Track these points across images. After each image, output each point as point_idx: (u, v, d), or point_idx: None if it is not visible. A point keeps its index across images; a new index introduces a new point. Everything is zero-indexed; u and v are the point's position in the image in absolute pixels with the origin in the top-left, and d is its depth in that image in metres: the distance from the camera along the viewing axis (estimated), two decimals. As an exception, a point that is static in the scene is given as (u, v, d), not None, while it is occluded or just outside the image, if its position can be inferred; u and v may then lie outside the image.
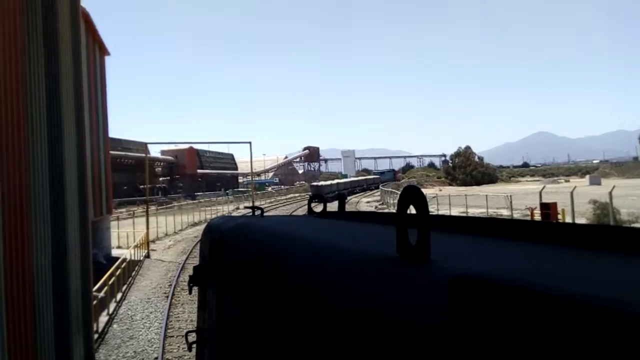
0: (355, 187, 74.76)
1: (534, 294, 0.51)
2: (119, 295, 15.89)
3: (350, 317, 0.85)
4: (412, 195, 0.87)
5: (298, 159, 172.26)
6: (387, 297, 0.79)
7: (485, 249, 1.14)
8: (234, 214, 43.18)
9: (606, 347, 0.43)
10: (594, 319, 0.45)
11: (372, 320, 0.78)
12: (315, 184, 67.79)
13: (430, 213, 0.89)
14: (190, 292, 2.75)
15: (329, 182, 70.27)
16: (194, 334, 2.74)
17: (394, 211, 1.00)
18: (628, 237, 1.02)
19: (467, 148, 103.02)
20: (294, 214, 38.20)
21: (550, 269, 0.86)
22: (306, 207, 2.83)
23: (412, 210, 0.91)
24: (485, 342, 0.54)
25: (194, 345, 2.69)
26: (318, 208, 2.58)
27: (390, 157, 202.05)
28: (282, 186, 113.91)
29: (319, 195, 2.79)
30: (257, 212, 2.63)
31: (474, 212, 33.86)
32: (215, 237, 2.17)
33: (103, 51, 22.30)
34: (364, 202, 56.22)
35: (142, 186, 61.25)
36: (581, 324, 0.46)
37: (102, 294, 13.47)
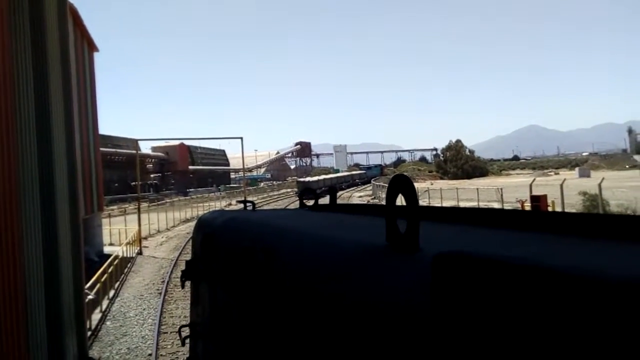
0: (341, 183, 74.24)
1: (514, 267, 0.53)
2: (111, 293, 15.84)
3: (341, 305, 0.86)
4: (401, 184, 0.89)
5: (290, 154, 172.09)
6: (376, 283, 0.81)
7: (474, 237, 1.16)
8: (227, 209, 42.88)
9: (588, 316, 0.43)
10: (574, 288, 0.45)
11: (363, 306, 0.80)
12: (301, 179, 67.70)
13: (422, 206, 0.91)
14: (182, 287, 2.76)
15: (315, 178, 70.03)
16: (187, 329, 2.75)
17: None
18: (616, 224, 1.04)
19: (458, 142, 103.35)
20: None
21: (538, 252, 0.88)
22: (297, 202, 2.84)
23: (402, 202, 0.92)
24: (469, 315, 0.56)
25: (188, 340, 2.70)
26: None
27: (382, 152, 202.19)
28: (274, 182, 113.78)
29: (310, 189, 2.80)
30: (249, 207, 2.64)
31: (465, 205, 34.01)
32: (207, 231, 2.17)
33: (92, 47, 22.09)
34: (357, 197, 56.33)
35: (133, 183, 60.89)
36: (559, 292, 0.46)
37: (94, 292, 13.41)
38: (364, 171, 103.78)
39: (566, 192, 24.23)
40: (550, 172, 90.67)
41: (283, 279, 1.17)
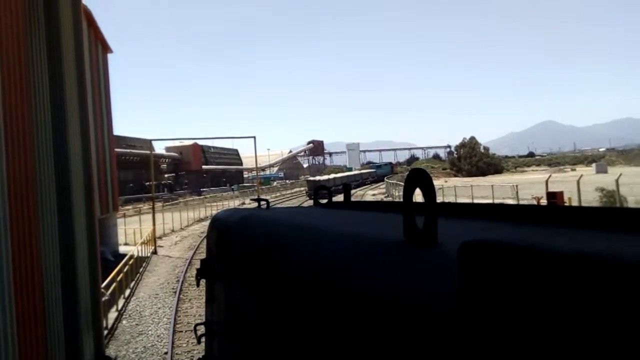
0: (351, 182, 73.64)
1: (544, 254, 0.50)
2: (127, 292, 15.99)
3: (360, 302, 0.84)
4: (419, 178, 0.87)
5: (302, 153, 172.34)
6: (395, 279, 0.79)
7: (494, 232, 1.13)
8: (241, 208, 43.08)
9: (615, 299, 0.42)
10: (611, 273, 0.44)
11: (383, 302, 0.78)
12: (311, 178, 67.62)
13: (439, 202, 0.89)
14: (198, 285, 2.76)
15: (325, 177, 69.77)
16: (202, 327, 2.76)
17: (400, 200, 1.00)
18: (631, 217, 1.01)
19: (472, 139, 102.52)
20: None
21: (566, 244, 0.86)
22: (311, 201, 2.83)
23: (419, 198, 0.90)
24: (500, 306, 0.54)
25: (203, 338, 2.71)
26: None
27: (395, 150, 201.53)
28: (287, 180, 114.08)
29: (323, 186, 2.78)
30: (263, 205, 2.63)
31: (480, 202, 33.76)
32: (222, 229, 2.17)
33: (105, 49, 22.31)
34: (370, 195, 56.24)
35: (147, 183, 61.48)
36: (586, 275, 0.45)
37: (109, 292, 13.55)
38: (374, 169, 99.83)
39: (583, 188, 23.91)
40: (566, 168, 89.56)
41: (299, 277, 1.15)
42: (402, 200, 0.96)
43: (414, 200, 0.93)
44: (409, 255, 0.84)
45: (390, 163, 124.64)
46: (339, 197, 2.59)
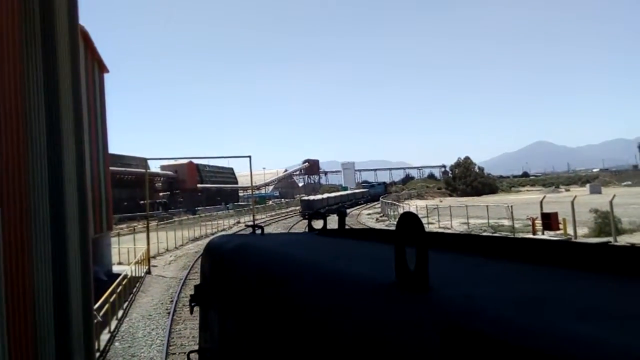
0: (344, 202, 72.68)
1: (530, 352, 0.51)
2: (120, 313, 15.80)
3: (348, 346, 0.85)
4: (410, 221, 0.88)
5: (298, 172, 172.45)
6: (384, 327, 0.80)
7: (485, 271, 1.14)
8: (235, 228, 43.18)
9: None
10: None
11: (369, 352, 0.78)
12: (305, 198, 67.29)
13: (432, 226, 0.89)
14: (191, 312, 2.74)
15: (319, 197, 69.49)
16: (196, 355, 2.73)
17: (394, 225, 1.00)
18: (632, 258, 1.00)
19: (467, 158, 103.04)
20: (294, 228, 38.08)
21: (552, 297, 0.86)
22: (305, 222, 2.84)
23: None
24: None
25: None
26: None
27: (390, 169, 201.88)
28: (283, 199, 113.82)
29: (318, 212, 2.80)
30: (257, 231, 2.64)
31: (475, 222, 33.75)
32: (216, 258, 2.17)
33: (102, 69, 22.44)
34: (365, 215, 56.20)
35: (142, 201, 61.19)
36: None
37: (101, 314, 13.38)
38: (367, 189, 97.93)
39: (577, 209, 23.97)
40: (560, 189, 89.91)
41: (290, 313, 1.16)
42: (394, 227, 0.97)
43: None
44: (399, 302, 0.85)
45: (384, 183, 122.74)
46: (334, 217, 2.60)
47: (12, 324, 6.42)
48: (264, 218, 53.12)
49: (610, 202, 22.13)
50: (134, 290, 19.41)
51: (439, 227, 33.79)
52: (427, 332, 0.70)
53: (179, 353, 12.10)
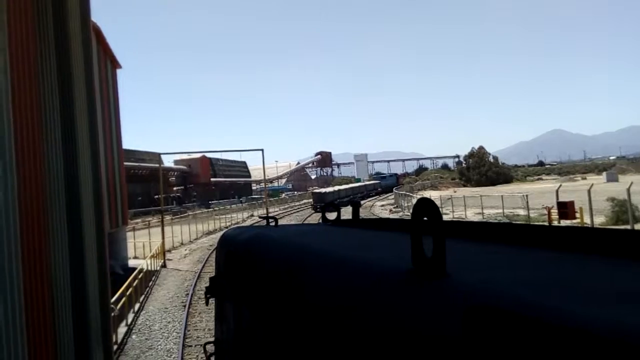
0: (355, 194, 72.41)
1: (550, 327, 0.50)
2: (136, 306, 16.00)
3: (366, 335, 0.84)
4: (426, 207, 0.86)
5: (310, 165, 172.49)
6: (402, 314, 0.79)
7: (501, 258, 1.12)
8: (249, 221, 43.38)
9: None
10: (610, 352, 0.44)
11: (389, 335, 0.77)
12: (316, 191, 67.33)
13: (446, 217, 0.88)
14: (207, 304, 2.76)
15: (330, 189, 69.47)
16: (212, 345, 2.75)
17: (408, 215, 0.99)
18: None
19: (481, 148, 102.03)
20: (308, 221, 38.12)
21: (570, 279, 0.84)
22: (318, 215, 2.83)
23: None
24: None
25: (213, 357, 2.69)
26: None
27: (403, 160, 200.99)
28: (296, 192, 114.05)
29: (332, 203, 2.78)
30: (271, 222, 2.63)
31: (489, 212, 33.51)
32: (231, 249, 2.17)
33: (114, 64, 22.58)
34: (379, 206, 56.08)
35: (156, 196, 61.74)
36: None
37: (118, 307, 13.56)
38: (379, 181, 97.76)
39: (594, 197, 23.65)
40: (576, 177, 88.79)
41: (306, 302, 1.14)
42: (409, 216, 0.95)
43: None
44: (417, 287, 0.83)
45: (396, 174, 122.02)
46: (348, 208, 2.59)
47: (30, 319, 6.53)
48: (277, 211, 53.30)
49: (628, 190, 21.79)
50: (150, 283, 19.64)
51: (453, 218, 33.61)
52: (448, 314, 0.69)
53: (195, 345, 12.23)
